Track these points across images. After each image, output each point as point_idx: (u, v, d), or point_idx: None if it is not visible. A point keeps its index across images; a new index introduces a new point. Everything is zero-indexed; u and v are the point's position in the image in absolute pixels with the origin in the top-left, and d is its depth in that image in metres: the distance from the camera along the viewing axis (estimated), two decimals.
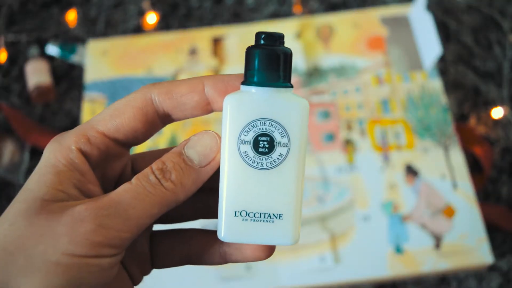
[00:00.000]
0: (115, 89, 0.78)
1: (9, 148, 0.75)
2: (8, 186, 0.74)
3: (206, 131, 0.25)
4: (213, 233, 0.26)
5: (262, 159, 0.24)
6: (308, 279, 0.63)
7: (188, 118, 0.27)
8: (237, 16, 0.86)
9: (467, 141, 0.72)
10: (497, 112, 0.75)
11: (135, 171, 0.28)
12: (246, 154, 0.24)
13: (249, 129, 0.24)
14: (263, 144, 0.24)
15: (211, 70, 0.78)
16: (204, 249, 0.27)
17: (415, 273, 0.63)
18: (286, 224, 0.24)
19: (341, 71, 0.77)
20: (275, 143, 0.24)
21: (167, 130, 0.74)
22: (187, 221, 0.30)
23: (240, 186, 0.24)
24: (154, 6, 0.87)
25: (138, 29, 0.86)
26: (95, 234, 0.21)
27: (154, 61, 0.80)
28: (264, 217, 0.24)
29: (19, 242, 0.21)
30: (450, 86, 0.78)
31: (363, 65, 0.77)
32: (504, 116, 0.75)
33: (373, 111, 0.74)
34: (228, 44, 0.80)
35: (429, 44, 0.74)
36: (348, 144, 0.71)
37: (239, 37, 0.81)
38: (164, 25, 0.86)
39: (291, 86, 0.25)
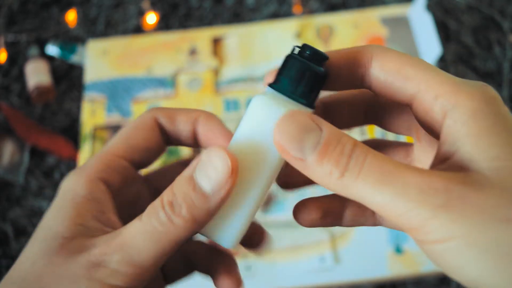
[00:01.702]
0: (115, 89, 0.78)
1: (9, 148, 0.75)
2: (8, 186, 0.74)
3: (216, 153, 0.22)
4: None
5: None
6: (308, 279, 0.63)
7: (182, 145, 0.27)
8: (237, 16, 0.86)
9: None
10: None
11: (156, 191, 0.28)
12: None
13: None
14: None
15: (211, 70, 0.78)
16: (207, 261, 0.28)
17: (415, 273, 0.63)
18: None
19: None
20: None
21: None
22: None
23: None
24: (154, 6, 0.87)
25: (138, 29, 0.86)
26: (112, 279, 0.22)
27: (154, 61, 0.80)
28: None
29: (39, 284, 0.21)
30: None
31: None
32: None
33: None
34: (228, 44, 0.80)
35: (429, 44, 0.74)
36: None
37: (239, 37, 0.81)
38: (164, 25, 0.86)
39: (313, 108, 0.24)
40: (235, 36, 0.81)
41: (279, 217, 0.65)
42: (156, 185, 0.29)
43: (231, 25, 0.83)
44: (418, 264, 0.63)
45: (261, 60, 0.78)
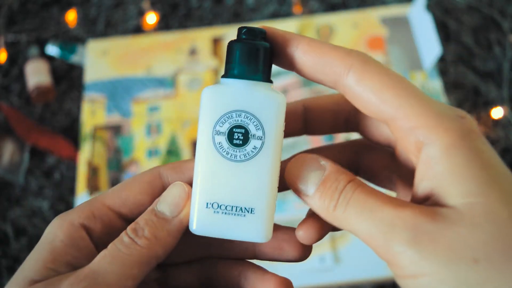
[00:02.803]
0: (115, 89, 0.78)
1: (9, 148, 0.75)
2: (8, 186, 0.74)
3: (174, 183, 0.25)
4: (233, 262, 0.27)
5: (236, 151, 0.23)
6: (308, 279, 0.63)
7: None
8: (237, 16, 0.86)
9: None
10: (497, 112, 0.75)
11: None
12: (220, 145, 0.23)
13: (225, 120, 0.23)
14: (238, 136, 0.23)
15: (211, 70, 0.78)
16: (225, 277, 0.28)
17: None
18: (258, 220, 0.24)
19: None
20: (249, 136, 0.23)
21: (167, 130, 0.74)
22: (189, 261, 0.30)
23: (213, 177, 0.24)
24: (154, 6, 0.87)
25: (138, 29, 0.86)
26: None
27: (154, 61, 0.80)
28: (236, 211, 0.24)
29: None
30: (450, 86, 0.78)
31: None
32: (504, 116, 0.75)
33: None
34: None
35: (429, 44, 0.74)
36: None
37: None
38: (164, 25, 0.86)
39: (270, 82, 0.25)
40: (235, 36, 0.81)
41: (278, 217, 0.65)
42: None
43: (231, 25, 0.83)
44: None
45: None
